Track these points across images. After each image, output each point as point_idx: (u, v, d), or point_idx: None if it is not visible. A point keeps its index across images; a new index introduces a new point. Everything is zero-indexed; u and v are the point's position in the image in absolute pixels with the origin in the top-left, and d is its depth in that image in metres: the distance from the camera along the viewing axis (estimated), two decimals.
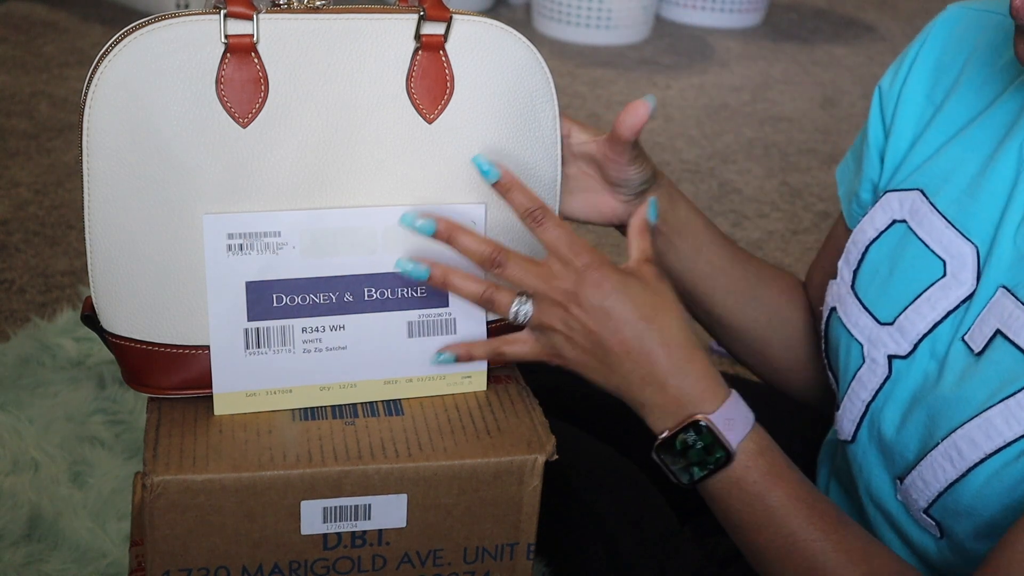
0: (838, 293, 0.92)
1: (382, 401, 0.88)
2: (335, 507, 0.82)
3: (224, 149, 0.79)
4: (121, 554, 1.29)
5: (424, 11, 0.81)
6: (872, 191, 0.96)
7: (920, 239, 0.87)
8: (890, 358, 0.86)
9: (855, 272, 0.92)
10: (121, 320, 0.82)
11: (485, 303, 0.82)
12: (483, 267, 0.81)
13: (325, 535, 0.83)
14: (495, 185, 0.81)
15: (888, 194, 0.91)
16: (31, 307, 1.80)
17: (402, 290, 0.85)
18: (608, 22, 3.38)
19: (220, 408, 0.83)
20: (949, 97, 0.90)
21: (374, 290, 0.84)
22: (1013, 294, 0.79)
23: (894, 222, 0.89)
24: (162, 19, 0.78)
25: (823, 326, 0.96)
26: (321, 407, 0.87)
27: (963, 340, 0.82)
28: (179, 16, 0.78)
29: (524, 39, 0.85)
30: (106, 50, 0.77)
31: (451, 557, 0.87)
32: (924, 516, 0.83)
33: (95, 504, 1.35)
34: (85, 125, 0.77)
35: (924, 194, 0.87)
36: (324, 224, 0.74)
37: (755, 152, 2.75)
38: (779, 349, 1.05)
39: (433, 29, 0.82)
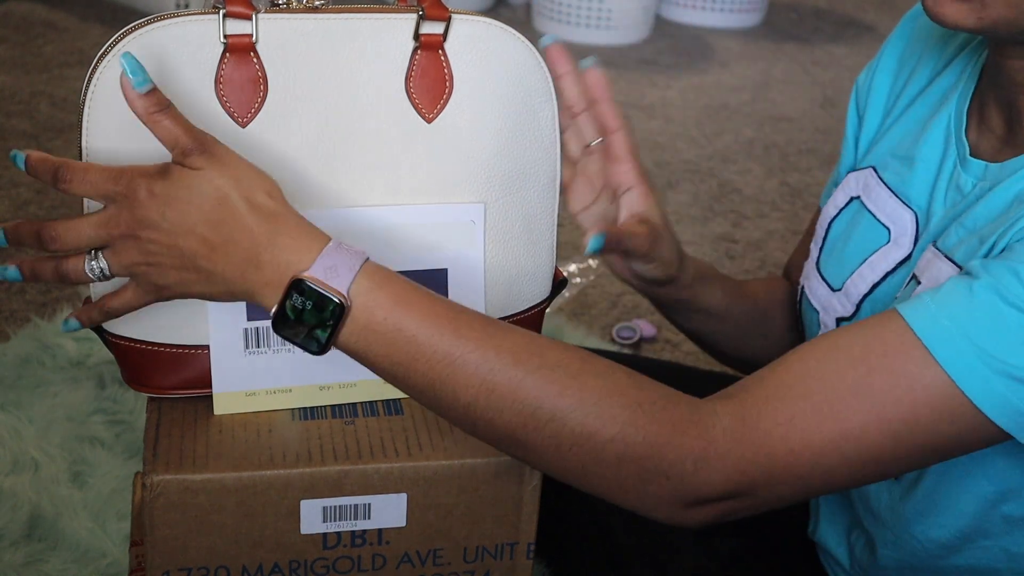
0: (807, 271, 0.98)
1: (382, 401, 0.88)
2: (335, 507, 0.82)
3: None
4: (121, 554, 1.29)
5: (423, 11, 0.80)
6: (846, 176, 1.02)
7: (870, 211, 0.92)
8: (838, 321, 0.92)
9: (820, 249, 0.97)
10: (121, 320, 0.80)
11: (62, 278, 0.74)
12: (41, 246, 0.73)
13: (325, 535, 0.83)
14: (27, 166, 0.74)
15: (849, 175, 0.98)
16: (31, 307, 1.80)
17: None
18: (608, 22, 3.38)
19: (220, 408, 0.83)
20: (908, 83, 0.97)
21: None
22: (938, 248, 0.82)
23: (851, 199, 0.95)
24: (161, 19, 0.77)
25: (798, 304, 1.02)
26: (321, 407, 0.87)
27: (896, 298, 0.87)
28: (178, 16, 0.77)
29: (523, 39, 0.84)
30: (105, 50, 0.77)
31: (451, 556, 0.87)
32: None
33: (95, 504, 1.35)
34: (84, 125, 0.78)
35: (875, 170, 0.94)
36: (323, 225, 0.74)
37: (755, 152, 2.75)
38: (761, 349, 1.08)
39: (432, 28, 0.81)
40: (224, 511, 0.80)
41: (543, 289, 0.91)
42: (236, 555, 0.82)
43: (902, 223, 0.90)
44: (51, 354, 1.64)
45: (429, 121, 0.83)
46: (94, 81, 0.77)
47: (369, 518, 0.83)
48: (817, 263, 0.97)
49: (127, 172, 0.71)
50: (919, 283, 0.82)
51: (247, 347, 0.82)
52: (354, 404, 0.87)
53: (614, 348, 1.83)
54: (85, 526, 1.31)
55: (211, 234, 0.70)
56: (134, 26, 0.77)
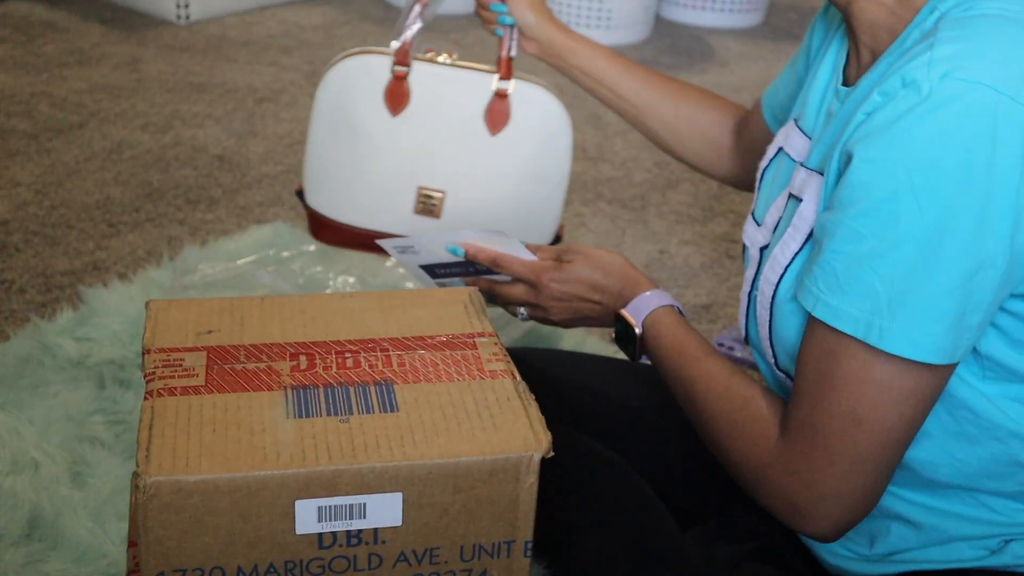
0: (747, 227, 1.09)
1: (377, 398, 0.88)
2: (330, 506, 0.82)
3: (382, 125, 1.49)
4: (121, 554, 1.29)
5: (500, 72, 1.45)
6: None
7: (788, 154, 1.04)
8: (761, 250, 1.04)
9: (756, 199, 1.10)
10: (320, 202, 1.55)
11: (506, 309, 1.24)
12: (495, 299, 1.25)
13: (320, 534, 0.83)
14: (467, 257, 1.22)
15: (779, 130, 1.11)
16: (31, 307, 1.80)
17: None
18: (608, 22, 3.38)
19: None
20: (825, 39, 1.09)
21: (472, 268, 1.25)
22: (804, 166, 0.97)
23: (779, 150, 1.07)
24: (364, 52, 1.48)
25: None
26: (317, 406, 0.87)
27: (780, 235, 1.00)
28: (373, 52, 1.48)
29: (552, 92, 1.48)
30: (330, 64, 1.50)
31: (448, 555, 0.87)
32: (780, 373, 1.00)
33: (95, 504, 1.35)
34: (316, 99, 1.51)
35: (795, 121, 1.05)
36: (434, 240, 1.24)
37: None
38: (693, 155, 1.38)
39: (503, 85, 1.46)
40: (218, 512, 0.80)
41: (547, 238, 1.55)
42: (231, 556, 0.82)
43: (801, 152, 1.01)
44: (51, 354, 1.64)
45: (493, 135, 1.48)
46: (323, 78, 1.51)
47: (364, 517, 0.83)
48: (753, 211, 1.08)
49: (536, 267, 1.18)
50: (799, 201, 0.95)
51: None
52: (350, 403, 0.88)
53: (612, 350, 1.83)
54: (85, 526, 1.31)
55: (588, 296, 1.16)
56: (349, 52, 1.49)
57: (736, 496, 1.12)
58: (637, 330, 1.10)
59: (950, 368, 0.86)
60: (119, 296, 1.78)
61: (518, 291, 1.20)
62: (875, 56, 0.94)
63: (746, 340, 1.06)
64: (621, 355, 1.48)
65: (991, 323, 0.87)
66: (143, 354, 0.95)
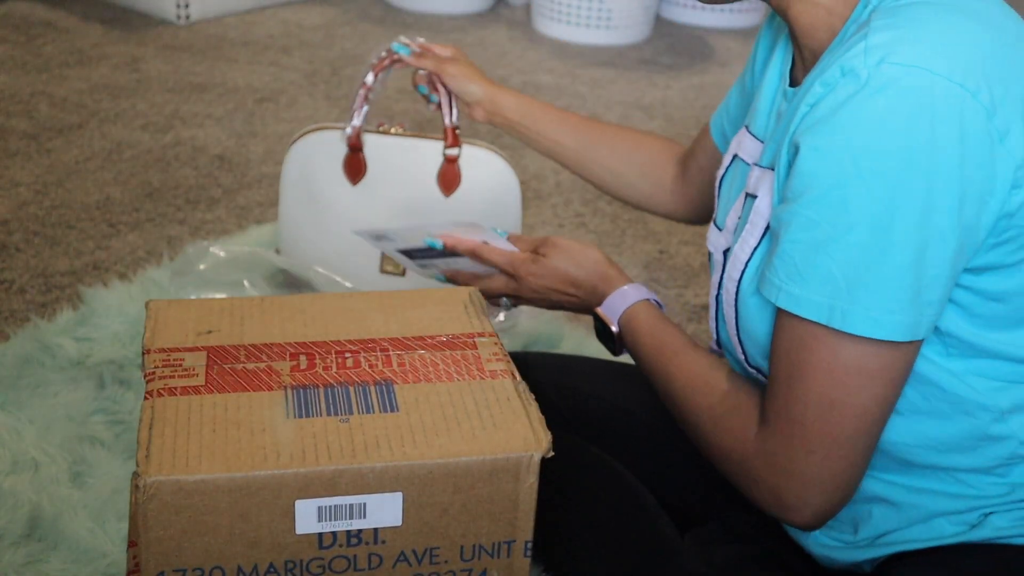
0: (709, 235, 1.10)
1: (377, 398, 0.88)
2: (330, 506, 0.82)
3: (344, 194, 1.65)
4: (121, 554, 1.29)
5: (447, 140, 1.58)
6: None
7: (742, 159, 1.06)
8: (724, 253, 1.04)
9: (716, 206, 1.11)
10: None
11: (489, 300, 1.24)
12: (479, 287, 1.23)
13: (320, 534, 0.83)
14: (446, 248, 1.26)
15: (733, 138, 1.14)
16: (31, 307, 1.80)
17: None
18: (608, 22, 3.38)
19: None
20: (772, 46, 1.12)
21: (451, 258, 1.29)
22: (758, 165, 0.99)
23: (734, 157, 1.09)
24: (321, 128, 1.64)
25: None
26: (317, 404, 0.87)
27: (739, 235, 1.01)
28: (331, 127, 1.64)
29: (500, 154, 1.62)
30: (295, 138, 1.66)
31: (448, 555, 0.87)
32: (751, 370, 1.01)
33: (95, 504, 1.35)
34: (282, 173, 1.69)
35: (747, 127, 1.07)
36: (411, 229, 1.30)
37: None
38: (638, 196, 1.39)
39: (452, 151, 1.60)
40: (218, 512, 0.80)
41: None
42: (231, 555, 0.82)
43: (754, 154, 1.04)
44: (51, 354, 1.64)
45: (447, 196, 1.62)
46: (289, 152, 1.66)
47: (364, 517, 0.83)
48: (715, 219, 1.10)
49: (514, 259, 1.22)
50: (755, 198, 0.97)
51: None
52: (350, 402, 0.88)
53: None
54: (85, 526, 1.31)
55: (565, 290, 1.19)
56: (308, 129, 1.65)
57: (735, 498, 1.12)
58: (614, 328, 1.12)
59: (915, 345, 0.88)
60: (119, 296, 1.78)
61: (498, 283, 1.23)
62: (817, 56, 0.96)
63: (717, 343, 1.07)
64: (622, 357, 1.49)
65: (950, 300, 0.89)
66: (143, 354, 0.95)
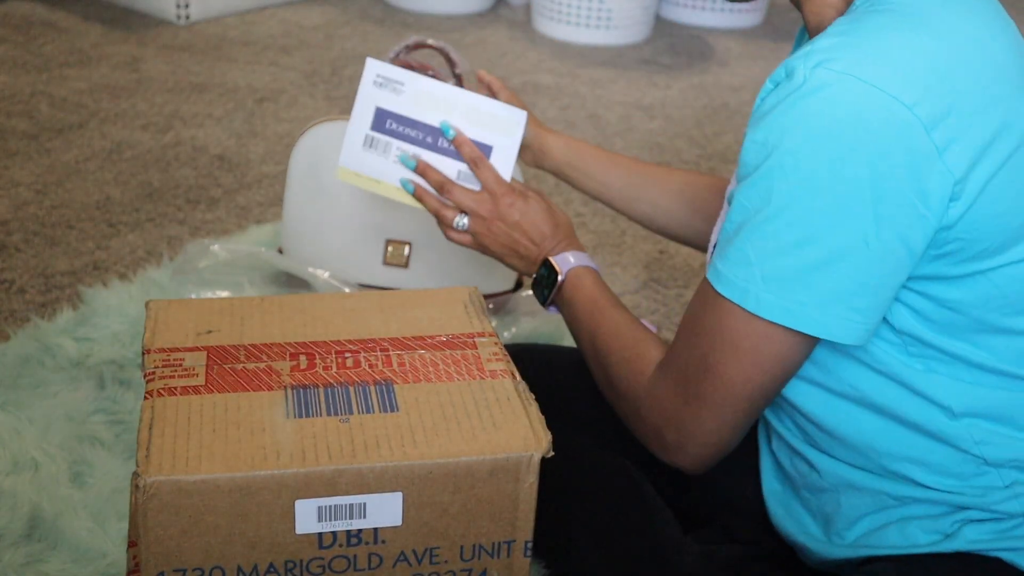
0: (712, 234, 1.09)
1: (377, 398, 0.88)
2: (330, 506, 0.82)
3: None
4: (121, 554, 1.29)
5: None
6: None
7: None
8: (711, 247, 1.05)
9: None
10: (301, 258, 1.71)
11: (438, 215, 1.26)
12: (437, 190, 1.27)
13: (320, 534, 0.83)
14: (452, 140, 1.27)
15: None
16: (31, 307, 1.80)
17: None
18: (608, 22, 3.38)
19: (339, 175, 1.30)
20: None
21: (444, 143, 1.28)
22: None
23: None
24: (330, 120, 1.66)
25: None
26: (317, 404, 0.87)
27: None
28: (337, 119, 1.65)
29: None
30: (304, 130, 1.67)
31: (448, 555, 0.87)
32: None
33: (95, 504, 1.35)
34: (290, 164, 1.69)
35: None
36: (431, 92, 1.28)
37: None
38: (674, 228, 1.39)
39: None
40: (218, 512, 0.80)
41: (507, 285, 1.74)
42: (231, 555, 0.82)
43: None
44: (51, 354, 1.64)
45: None
46: (298, 142, 1.67)
47: (364, 517, 0.83)
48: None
49: (504, 186, 1.25)
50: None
51: (364, 144, 1.29)
52: (349, 402, 0.88)
53: None
54: (85, 526, 1.31)
55: (526, 240, 1.23)
56: (314, 123, 1.67)
57: (737, 500, 1.12)
58: (560, 277, 1.17)
59: (803, 341, 0.90)
60: (119, 296, 1.78)
61: (472, 196, 1.25)
62: None
63: None
64: None
65: (905, 304, 0.91)
66: (143, 354, 0.95)
